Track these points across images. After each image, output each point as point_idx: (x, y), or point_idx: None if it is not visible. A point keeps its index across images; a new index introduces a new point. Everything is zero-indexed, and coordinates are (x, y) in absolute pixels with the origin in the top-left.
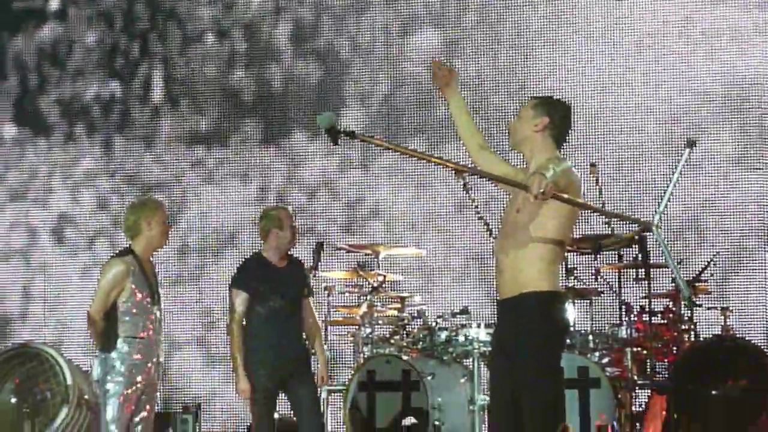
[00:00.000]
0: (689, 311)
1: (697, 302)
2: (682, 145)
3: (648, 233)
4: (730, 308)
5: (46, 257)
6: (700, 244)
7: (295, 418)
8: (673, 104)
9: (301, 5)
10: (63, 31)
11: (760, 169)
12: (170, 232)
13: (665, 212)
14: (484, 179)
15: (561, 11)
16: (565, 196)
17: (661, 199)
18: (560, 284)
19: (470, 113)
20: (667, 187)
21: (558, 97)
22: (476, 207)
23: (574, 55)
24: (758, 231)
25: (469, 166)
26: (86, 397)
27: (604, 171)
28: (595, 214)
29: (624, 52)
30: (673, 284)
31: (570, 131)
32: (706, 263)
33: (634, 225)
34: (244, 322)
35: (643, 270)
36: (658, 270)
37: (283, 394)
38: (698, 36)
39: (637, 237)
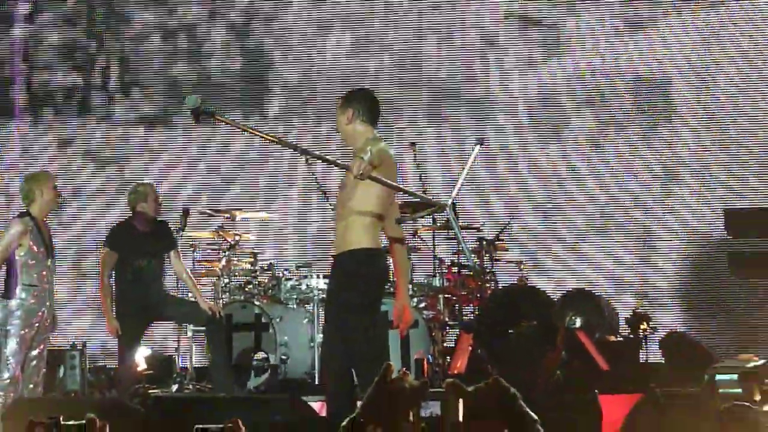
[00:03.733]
0: (491, 264)
1: (482, 269)
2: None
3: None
4: (524, 261)
5: None
6: (502, 208)
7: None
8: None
9: (233, 9)
10: (31, 32)
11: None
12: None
13: (460, 193)
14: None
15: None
16: (380, 177)
17: (455, 185)
18: (379, 243)
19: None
20: (459, 176)
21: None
22: (316, 178)
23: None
24: (546, 195)
25: (304, 148)
26: None
27: (422, 150)
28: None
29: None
30: (463, 255)
31: (379, 110)
32: (503, 227)
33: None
34: (112, 277)
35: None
36: (466, 230)
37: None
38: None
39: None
